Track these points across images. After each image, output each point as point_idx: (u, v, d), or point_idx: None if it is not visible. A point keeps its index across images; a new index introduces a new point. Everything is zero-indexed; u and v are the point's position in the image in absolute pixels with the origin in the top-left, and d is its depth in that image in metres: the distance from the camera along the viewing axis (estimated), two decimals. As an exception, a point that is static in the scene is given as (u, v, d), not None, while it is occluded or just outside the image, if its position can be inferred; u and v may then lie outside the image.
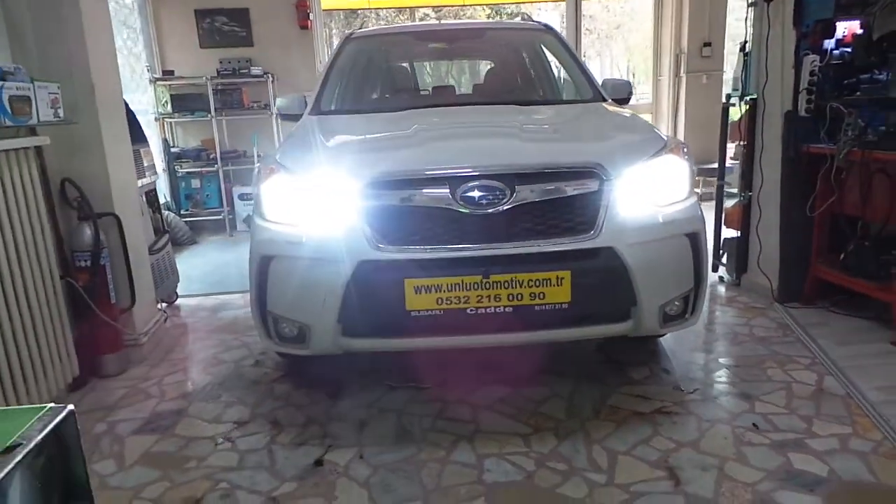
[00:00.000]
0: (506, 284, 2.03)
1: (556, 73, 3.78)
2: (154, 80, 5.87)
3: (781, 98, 3.24)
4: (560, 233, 2.07)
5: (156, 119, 5.95)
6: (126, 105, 3.46)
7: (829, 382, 2.51)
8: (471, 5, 8.46)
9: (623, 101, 3.34)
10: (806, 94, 3.07)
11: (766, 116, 3.38)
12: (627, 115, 2.79)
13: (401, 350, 2.39)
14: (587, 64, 3.53)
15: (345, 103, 3.27)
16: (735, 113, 3.71)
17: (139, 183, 3.44)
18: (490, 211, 2.04)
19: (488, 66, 4.06)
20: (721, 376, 2.62)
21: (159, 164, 5.81)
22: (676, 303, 2.30)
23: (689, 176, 2.31)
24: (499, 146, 2.25)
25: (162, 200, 5.67)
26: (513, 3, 9.32)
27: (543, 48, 3.73)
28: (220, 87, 5.98)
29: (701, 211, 2.32)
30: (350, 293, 2.05)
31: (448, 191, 2.04)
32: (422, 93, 3.63)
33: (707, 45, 6.29)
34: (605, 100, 3.14)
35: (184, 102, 5.95)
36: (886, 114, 2.85)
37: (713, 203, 4.00)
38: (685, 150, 2.39)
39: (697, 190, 6.49)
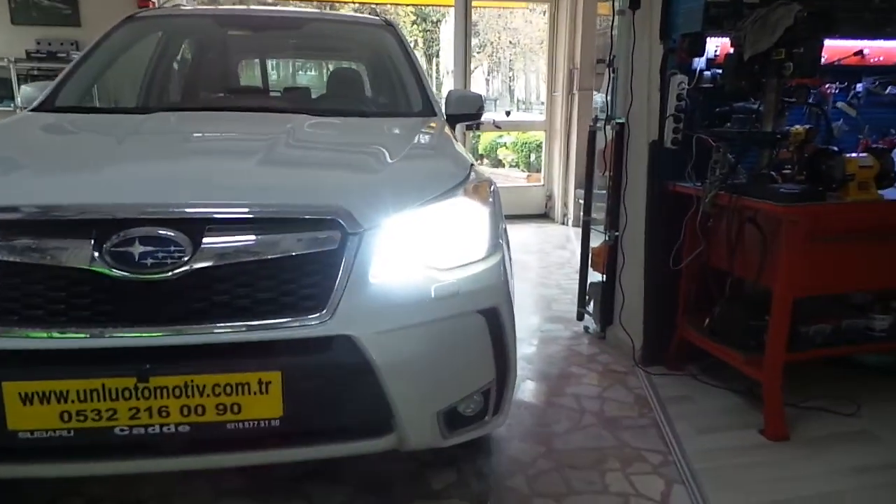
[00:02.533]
0: (177, 392, 1.31)
1: (396, 79, 3.10)
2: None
3: (648, 125, 2.70)
4: (270, 312, 1.36)
5: (-61, 106, 4.87)
6: None
7: (677, 495, 1.93)
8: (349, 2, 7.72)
9: (472, 117, 2.74)
10: (672, 121, 2.53)
11: (632, 145, 2.83)
12: (443, 138, 2.12)
13: (17, 478, 1.60)
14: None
15: (90, 98, 2.46)
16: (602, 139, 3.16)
17: None
18: (157, 276, 1.31)
19: (322, 67, 3.34)
20: (546, 483, 1.99)
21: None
22: (476, 398, 1.65)
23: (488, 227, 1.66)
24: (190, 174, 1.51)
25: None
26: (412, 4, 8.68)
27: (385, 48, 3.05)
28: (32, 73, 4.97)
29: (506, 274, 1.68)
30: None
31: (91, 241, 1.29)
32: (205, 93, 2.83)
33: (601, 61, 5.84)
34: (433, 115, 2.50)
35: (-19, 88, 4.90)
36: (760, 151, 2.34)
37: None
38: (491, 189, 1.75)
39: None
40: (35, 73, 4.99)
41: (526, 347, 3.12)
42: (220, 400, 1.32)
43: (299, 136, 1.93)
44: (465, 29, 5.99)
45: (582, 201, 3.53)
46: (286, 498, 1.87)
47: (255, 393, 1.33)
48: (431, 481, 1.98)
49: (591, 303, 3.36)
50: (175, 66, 2.94)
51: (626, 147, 2.85)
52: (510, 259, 1.91)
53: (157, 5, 5.28)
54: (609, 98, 2.97)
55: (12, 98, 4.87)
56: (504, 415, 1.73)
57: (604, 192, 3.21)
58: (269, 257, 1.36)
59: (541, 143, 7.24)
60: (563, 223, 6.50)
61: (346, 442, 1.48)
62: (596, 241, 3.33)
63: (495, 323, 1.60)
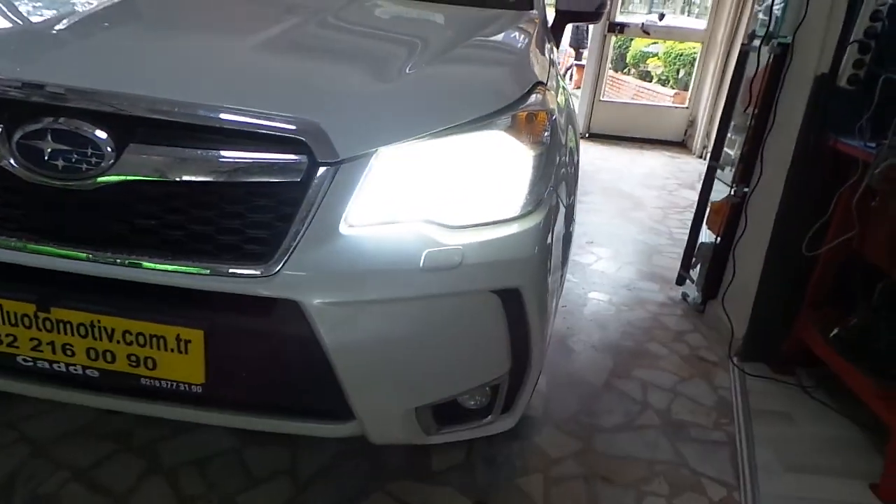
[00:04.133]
0: (82, 331, 1.06)
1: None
2: None
3: (820, 51, 1.97)
4: (201, 253, 1.05)
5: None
6: None
7: (729, 554, 1.51)
8: None
9: (589, 17, 2.20)
10: (857, 50, 1.80)
11: (791, 77, 2.12)
12: (517, 40, 1.60)
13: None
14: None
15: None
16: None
17: None
18: (69, 184, 1.03)
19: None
20: (565, 494, 1.62)
21: None
22: (484, 390, 1.29)
23: (530, 177, 1.19)
24: (138, 52, 1.16)
25: None
26: None
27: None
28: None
29: (546, 240, 1.23)
30: None
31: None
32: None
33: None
34: (530, 8, 1.97)
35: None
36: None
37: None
38: (549, 121, 1.27)
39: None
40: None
41: (604, 307, 2.66)
42: (132, 350, 1.07)
43: (343, 18, 1.53)
44: None
45: (730, 135, 2.81)
46: (267, 441, 1.68)
47: (171, 350, 1.06)
48: (434, 459, 1.69)
49: (697, 267, 2.79)
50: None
51: (783, 78, 2.14)
52: (571, 216, 1.45)
53: None
54: (779, 8, 2.21)
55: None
56: (515, 416, 1.36)
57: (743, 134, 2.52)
58: (209, 180, 1.03)
59: (696, 56, 6.18)
60: (700, 157, 5.63)
61: (293, 421, 1.19)
62: (721, 193, 2.69)
63: (515, 308, 1.19)
